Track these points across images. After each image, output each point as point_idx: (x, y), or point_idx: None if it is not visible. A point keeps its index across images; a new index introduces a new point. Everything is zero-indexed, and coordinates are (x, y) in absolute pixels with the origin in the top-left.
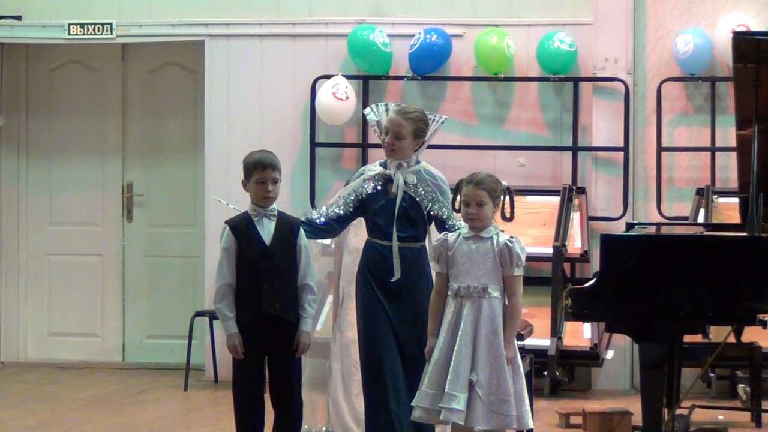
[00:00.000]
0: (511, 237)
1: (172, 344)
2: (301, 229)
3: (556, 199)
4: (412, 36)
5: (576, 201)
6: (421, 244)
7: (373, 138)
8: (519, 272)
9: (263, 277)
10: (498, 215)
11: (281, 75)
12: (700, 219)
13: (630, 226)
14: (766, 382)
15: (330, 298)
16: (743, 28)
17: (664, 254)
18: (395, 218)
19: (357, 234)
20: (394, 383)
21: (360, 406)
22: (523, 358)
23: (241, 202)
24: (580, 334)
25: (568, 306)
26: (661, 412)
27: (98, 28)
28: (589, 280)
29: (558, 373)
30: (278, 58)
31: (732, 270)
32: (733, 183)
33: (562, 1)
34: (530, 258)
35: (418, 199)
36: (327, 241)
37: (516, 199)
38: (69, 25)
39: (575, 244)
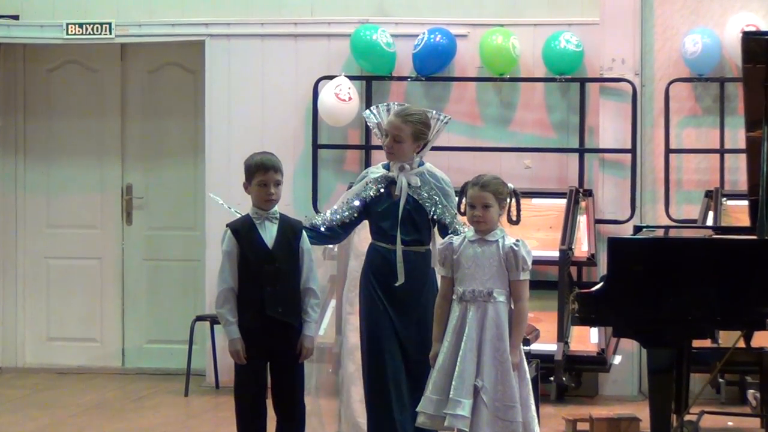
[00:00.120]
0: (517, 240)
1: (172, 349)
2: (304, 232)
3: (563, 201)
4: (416, 36)
5: (583, 204)
6: (426, 247)
7: (377, 139)
8: (525, 276)
9: (265, 280)
10: (504, 218)
11: (283, 75)
12: (709, 222)
13: (638, 229)
14: None
15: (333, 303)
16: (753, 28)
17: (672, 258)
18: (399, 222)
19: (363, 238)
20: (397, 389)
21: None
22: (529, 363)
23: (242, 205)
24: (587, 339)
25: (575, 310)
26: (670, 418)
27: (97, 27)
28: (596, 284)
29: (565, 379)
30: (280, 59)
31: (741, 274)
32: (743, 185)
33: (568, 1)
34: (536, 262)
35: (421, 202)
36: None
37: (522, 201)
38: (67, 24)
39: (582, 247)
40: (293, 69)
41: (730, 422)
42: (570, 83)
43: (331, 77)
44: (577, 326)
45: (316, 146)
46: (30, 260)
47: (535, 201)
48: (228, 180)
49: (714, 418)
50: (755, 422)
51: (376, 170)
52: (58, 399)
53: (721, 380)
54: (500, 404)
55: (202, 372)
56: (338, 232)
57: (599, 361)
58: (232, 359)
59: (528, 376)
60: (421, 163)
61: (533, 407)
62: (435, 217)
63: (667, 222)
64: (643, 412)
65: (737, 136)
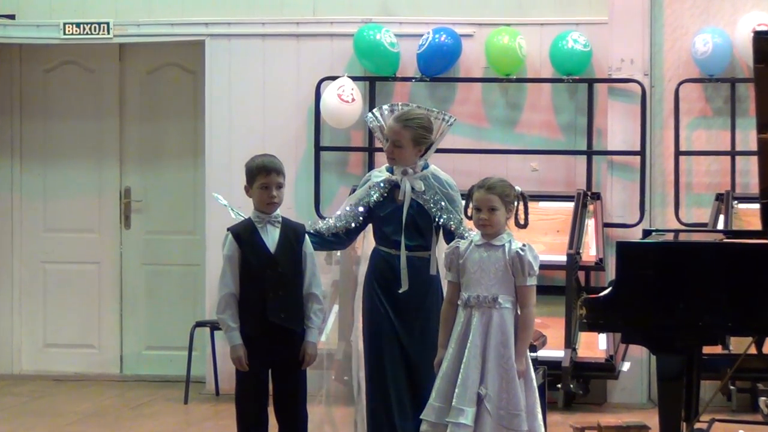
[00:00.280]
0: (524, 245)
1: (171, 356)
2: (307, 237)
3: (570, 205)
4: (421, 36)
5: (591, 207)
6: (429, 253)
7: (380, 141)
8: (531, 282)
9: (268, 285)
10: (512, 222)
11: (285, 76)
12: (720, 226)
13: (647, 233)
14: None
15: (336, 308)
16: (764, 28)
17: (682, 262)
18: (403, 227)
19: (371, 242)
20: (399, 396)
21: None
22: (536, 370)
23: (243, 209)
24: (595, 345)
25: (583, 316)
26: (680, 426)
27: (95, 27)
28: (604, 289)
29: (572, 386)
30: (281, 59)
31: (753, 278)
32: (754, 188)
33: (576, 0)
34: (543, 266)
35: (426, 207)
36: None
37: (529, 205)
38: (64, 24)
39: (590, 251)
40: (295, 69)
41: (741, 430)
42: (578, 84)
43: (333, 78)
44: (585, 332)
45: (318, 148)
46: (26, 265)
47: (542, 204)
48: (229, 183)
49: (725, 426)
50: (767, 430)
51: (379, 174)
52: (55, 407)
53: (732, 387)
54: (505, 412)
55: (202, 379)
56: (342, 238)
57: (608, 368)
58: (232, 366)
59: (534, 383)
60: (426, 166)
61: (539, 415)
62: (440, 223)
63: (676, 226)
64: (652, 420)
65: (748, 137)
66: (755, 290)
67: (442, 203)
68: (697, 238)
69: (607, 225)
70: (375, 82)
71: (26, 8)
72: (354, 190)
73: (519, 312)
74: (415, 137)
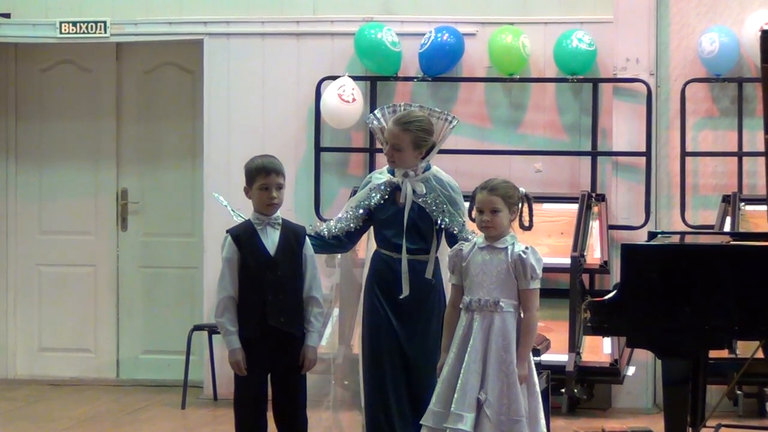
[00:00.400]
0: (526, 247)
1: (169, 360)
2: (307, 239)
3: (575, 206)
4: (423, 35)
5: (595, 209)
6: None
7: None
8: (534, 285)
9: (267, 289)
10: (516, 224)
11: (284, 76)
12: (727, 228)
13: (652, 235)
14: None
15: (336, 312)
16: None
17: (688, 265)
18: (404, 230)
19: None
20: (398, 401)
21: None
22: (539, 374)
23: (242, 211)
24: (600, 349)
25: (587, 319)
26: (685, 431)
27: (91, 26)
28: (609, 292)
29: (576, 391)
30: (281, 58)
31: (760, 281)
32: (762, 190)
33: None
34: (547, 269)
35: (428, 210)
36: None
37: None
38: (60, 23)
39: (594, 254)
40: (295, 69)
41: None
42: (582, 84)
43: (334, 77)
44: (589, 336)
45: (318, 149)
46: (21, 267)
47: (546, 206)
48: (227, 184)
49: (731, 431)
50: None
51: (380, 175)
52: (51, 412)
53: (738, 392)
54: (505, 418)
55: (199, 383)
56: (344, 240)
57: (612, 373)
58: (231, 370)
59: (537, 388)
60: (428, 168)
61: (542, 421)
62: (443, 226)
63: (682, 228)
64: (657, 425)
65: (756, 138)
66: (762, 293)
67: (444, 206)
68: (703, 240)
69: (611, 227)
70: (376, 82)
71: (22, 7)
72: (355, 192)
73: (522, 316)
74: (414, 140)
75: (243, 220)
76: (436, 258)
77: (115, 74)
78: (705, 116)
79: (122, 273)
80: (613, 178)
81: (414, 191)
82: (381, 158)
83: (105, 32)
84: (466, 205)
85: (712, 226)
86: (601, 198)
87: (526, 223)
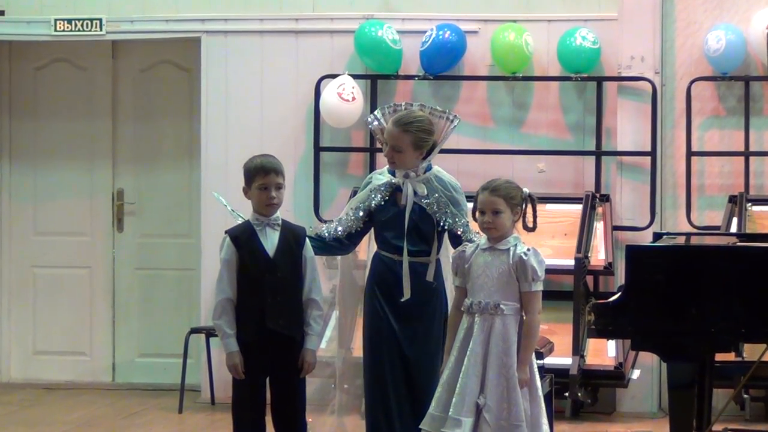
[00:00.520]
0: (528, 249)
1: (165, 363)
2: (307, 240)
3: (579, 207)
4: (424, 32)
5: (599, 209)
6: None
7: None
8: (536, 288)
9: (266, 291)
10: (520, 225)
11: (283, 74)
12: (733, 229)
13: (657, 236)
14: None
15: (335, 314)
16: None
17: (694, 266)
18: (405, 232)
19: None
20: (398, 404)
21: None
22: (542, 378)
23: (241, 212)
24: (604, 352)
25: (591, 322)
26: None
27: (87, 24)
28: (613, 294)
29: (580, 395)
30: (280, 56)
31: (767, 283)
32: None
33: None
34: (550, 270)
35: (430, 212)
36: None
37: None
38: (55, 20)
39: (599, 255)
40: (294, 67)
41: None
42: (586, 82)
43: (333, 76)
44: (593, 339)
45: (317, 149)
46: (16, 269)
47: (550, 207)
48: (225, 184)
49: None
50: None
51: (381, 176)
52: (45, 416)
53: (745, 396)
54: (506, 423)
55: (197, 387)
56: (345, 242)
57: (617, 376)
58: (229, 374)
59: (539, 393)
60: (429, 168)
61: (545, 426)
62: (446, 227)
63: (688, 229)
64: (662, 429)
65: (763, 137)
66: None
67: (447, 207)
68: (709, 241)
69: (616, 228)
70: (376, 81)
71: (16, 4)
72: (355, 193)
73: (524, 319)
74: (415, 141)
75: (243, 220)
76: (438, 260)
77: (111, 73)
78: (711, 115)
79: (118, 275)
80: (618, 178)
81: (415, 192)
82: (381, 158)
83: (101, 30)
84: (470, 205)
85: (718, 227)
86: (606, 198)
87: (530, 224)
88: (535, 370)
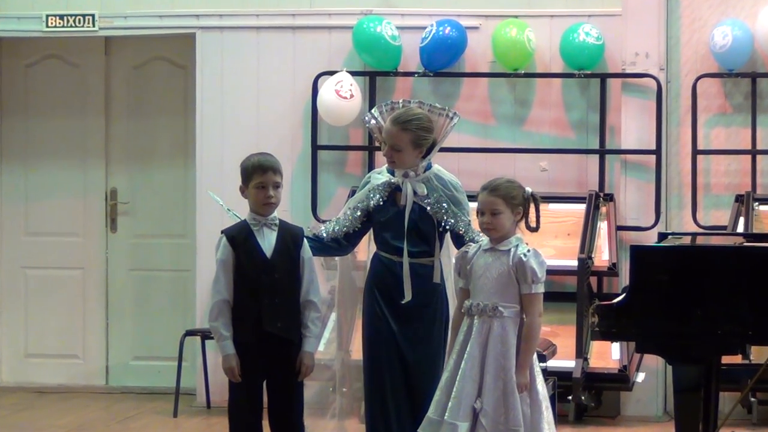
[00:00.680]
0: (528, 250)
1: (160, 366)
2: (305, 241)
3: (582, 207)
4: (424, 28)
5: (603, 209)
6: (433, 259)
7: None
8: (537, 290)
9: (263, 292)
10: (523, 225)
11: (280, 71)
12: (740, 228)
13: (663, 236)
14: None
15: (333, 316)
16: None
17: (700, 267)
18: (405, 233)
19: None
20: (397, 407)
21: None
22: (545, 381)
23: (237, 212)
24: (608, 354)
25: (595, 324)
26: None
27: (79, 19)
28: (617, 295)
29: (584, 398)
30: (277, 53)
31: None
32: None
33: None
34: (553, 271)
35: (430, 212)
36: None
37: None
38: (47, 16)
39: (602, 256)
40: (291, 64)
41: None
42: (590, 79)
43: (331, 73)
44: (597, 341)
45: (315, 147)
46: (7, 270)
47: (552, 206)
48: (221, 183)
49: None
50: None
51: (380, 175)
52: (37, 420)
53: (752, 399)
54: (503, 428)
55: (192, 391)
56: (343, 243)
57: (621, 379)
58: (225, 377)
59: (540, 397)
60: (429, 167)
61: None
62: (447, 227)
63: (694, 229)
64: None
65: None
66: None
67: (448, 207)
68: (715, 241)
69: (620, 228)
70: (375, 77)
71: None
72: (353, 192)
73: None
74: (414, 140)
75: (239, 220)
76: (438, 260)
77: (104, 69)
78: (717, 113)
79: (112, 276)
80: (622, 177)
81: (415, 192)
82: (380, 157)
83: (93, 26)
84: (472, 204)
85: (724, 227)
86: (610, 198)
87: (533, 225)
88: (536, 373)
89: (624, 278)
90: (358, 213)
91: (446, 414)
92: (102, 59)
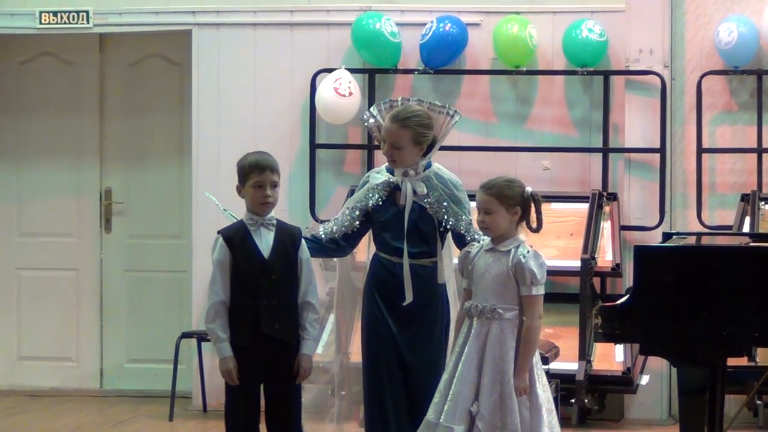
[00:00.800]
0: (527, 251)
1: (155, 369)
2: (303, 241)
3: (585, 206)
4: (424, 25)
5: (607, 208)
6: (434, 260)
7: None
8: (536, 291)
9: (261, 294)
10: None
11: (277, 68)
12: (746, 228)
13: (667, 236)
14: None
15: (332, 318)
16: None
17: (705, 268)
18: (405, 233)
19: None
20: (396, 410)
21: None
22: (549, 383)
23: (234, 212)
24: (612, 357)
25: (598, 325)
26: None
27: (73, 16)
28: (621, 296)
29: (587, 401)
30: (274, 50)
31: None
32: None
33: None
34: (556, 272)
35: (431, 211)
36: None
37: (542, 207)
38: (40, 13)
39: (606, 256)
40: (289, 61)
41: None
42: (593, 76)
43: (330, 70)
44: (600, 343)
45: (313, 146)
46: None
47: (555, 206)
48: (217, 183)
49: None
50: None
51: (379, 174)
52: (30, 424)
53: (759, 402)
54: None
55: (188, 394)
56: (342, 244)
57: (625, 382)
58: (221, 380)
59: (541, 400)
60: (428, 165)
61: None
62: (448, 227)
63: (699, 228)
64: None
65: None
66: None
67: (447, 205)
68: (721, 241)
69: (624, 228)
70: (374, 75)
71: None
72: (352, 192)
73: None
74: (414, 137)
75: (236, 220)
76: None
77: (99, 67)
78: (722, 110)
79: (106, 277)
80: (626, 176)
81: (414, 191)
82: (379, 155)
83: (87, 23)
84: (473, 204)
85: (730, 227)
86: (613, 197)
87: (534, 225)
88: (537, 376)
89: (628, 279)
90: (357, 213)
91: (442, 417)
92: (96, 56)
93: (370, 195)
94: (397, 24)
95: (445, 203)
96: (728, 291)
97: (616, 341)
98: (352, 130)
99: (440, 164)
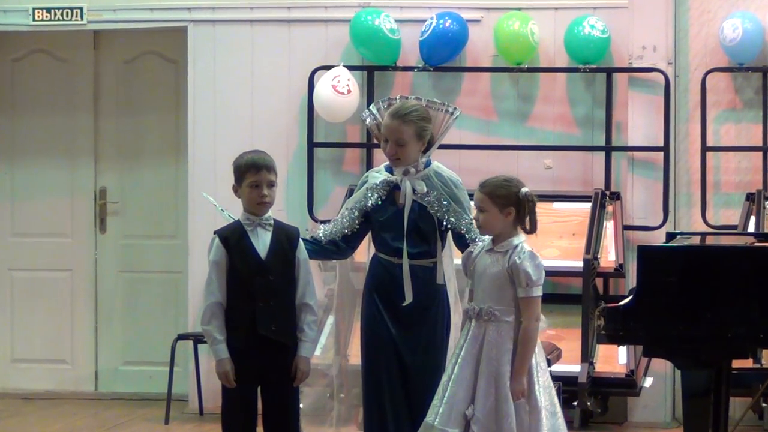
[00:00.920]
0: (523, 252)
1: (151, 371)
2: (301, 241)
3: (587, 205)
4: (424, 21)
5: (609, 208)
6: (434, 261)
7: None
8: (533, 293)
9: (258, 295)
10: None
11: (275, 66)
12: (751, 228)
13: (671, 236)
14: None
15: (330, 320)
16: None
17: (709, 268)
18: (404, 233)
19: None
20: (395, 412)
21: None
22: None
23: (231, 212)
24: (615, 359)
25: (601, 327)
26: None
27: (67, 13)
28: (624, 297)
29: (590, 404)
30: (271, 47)
31: None
32: None
33: None
34: (558, 273)
35: (431, 211)
36: None
37: (542, 206)
38: (34, 9)
39: (609, 256)
40: (286, 58)
41: None
42: (595, 73)
43: (328, 67)
44: (603, 345)
45: (311, 144)
46: None
47: (557, 205)
48: (213, 182)
49: None
50: None
51: (378, 174)
52: (24, 428)
53: (764, 404)
54: None
55: (184, 397)
56: (342, 246)
57: (628, 384)
58: (218, 382)
59: (540, 405)
60: (428, 163)
61: None
62: (449, 226)
63: (703, 228)
64: None
65: None
66: None
67: (447, 204)
68: (725, 241)
69: (627, 227)
70: (373, 72)
71: None
72: (351, 191)
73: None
74: (417, 131)
75: (233, 220)
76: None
77: (93, 64)
78: (727, 108)
79: (101, 278)
80: (629, 174)
81: (414, 190)
82: (379, 154)
83: (82, 19)
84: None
85: (735, 226)
86: (616, 196)
87: (527, 227)
88: (535, 380)
89: (631, 280)
90: (356, 213)
91: (437, 420)
92: (91, 54)
93: (369, 195)
94: (397, 20)
95: (445, 202)
96: (733, 292)
97: (620, 343)
98: (351, 129)
99: (440, 163)
